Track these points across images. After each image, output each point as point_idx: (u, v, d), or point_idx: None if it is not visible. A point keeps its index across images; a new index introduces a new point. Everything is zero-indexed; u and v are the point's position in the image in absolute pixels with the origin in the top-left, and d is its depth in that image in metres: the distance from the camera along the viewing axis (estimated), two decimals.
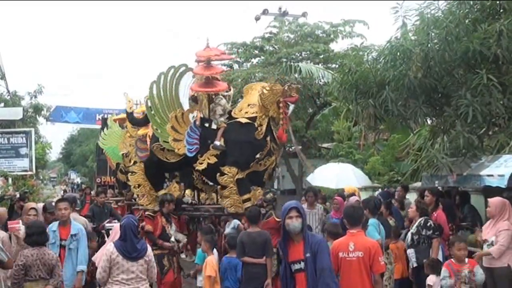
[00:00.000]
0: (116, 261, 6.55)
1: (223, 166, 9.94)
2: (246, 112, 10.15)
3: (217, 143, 9.95)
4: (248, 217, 8.35)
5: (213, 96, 10.73)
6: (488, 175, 8.72)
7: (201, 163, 10.02)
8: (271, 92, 9.84)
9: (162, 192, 10.55)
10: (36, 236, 6.80)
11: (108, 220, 11.98)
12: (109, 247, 6.73)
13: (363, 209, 7.56)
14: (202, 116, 10.60)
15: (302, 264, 5.81)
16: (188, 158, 10.14)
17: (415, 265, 8.67)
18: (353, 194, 11.01)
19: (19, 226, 7.73)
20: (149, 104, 10.45)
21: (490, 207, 8.05)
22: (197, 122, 10.34)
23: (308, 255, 5.75)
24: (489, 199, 8.20)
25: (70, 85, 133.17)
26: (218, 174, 9.89)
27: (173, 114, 10.16)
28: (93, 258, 7.85)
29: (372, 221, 8.62)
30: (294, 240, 5.90)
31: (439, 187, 10.34)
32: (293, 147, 22.07)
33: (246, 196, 9.84)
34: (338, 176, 13.56)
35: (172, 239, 9.59)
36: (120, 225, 6.84)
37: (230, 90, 11.34)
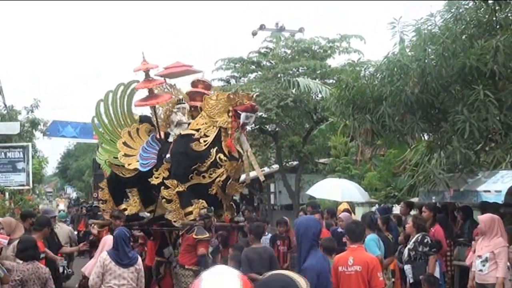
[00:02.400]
0: (109, 267, 7.02)
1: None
2: (197, 124, 9.73)
3: (167, 156, 9.77)
4: (254, 232, 8.31)
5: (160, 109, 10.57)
6: (485, 191, 8.75)
7: (157, 177, 9.74)
8: (217, 101, 9.47)
9: (122, 207, 10.38)
10: (30, 251, 6.85)
11: None
12: (102, 255, 7.25)
13: (364, 226, 7.56)
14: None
15: None
16: (143, 173, 9.89)
17: (411, 281, 8.67)
18: (346, 210, 10.97)
19: (5, 242, 7.81)
20: (96, 121, 10.58)
21: (480, 224, 8.10)
22: (157, 136, 10.19)
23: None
24: (479, 217, 8.24)
25: (70, 85, 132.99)
26: (163, 187, 9.61)
27: (126, 129, 10.18)
28: (82, 269, 8.03)
29: (372, 236, 8.60)
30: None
31: (436, 203, 10.34)
32: (290, 162, 22.13)
33: (188, 209, 9.38)
34: (343, 189, 13.42)
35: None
36: (113, 236, 7.41)
37: (183, 102, 10.70)
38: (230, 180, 9.49)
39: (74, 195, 62.29)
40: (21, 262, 6.90)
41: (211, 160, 9.28)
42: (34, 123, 26.51)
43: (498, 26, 9.39)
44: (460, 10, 9.48)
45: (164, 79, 10.53)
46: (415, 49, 9.64)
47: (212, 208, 9.23)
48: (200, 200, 9.34)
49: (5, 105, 26.02)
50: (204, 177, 9.38)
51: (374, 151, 17.28)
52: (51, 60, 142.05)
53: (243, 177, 10.01)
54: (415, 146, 14.01)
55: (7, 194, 20.27)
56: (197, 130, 9.53)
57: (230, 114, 9.25)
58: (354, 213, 13.81)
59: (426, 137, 11.53)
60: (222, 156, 9.30)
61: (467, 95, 8.95)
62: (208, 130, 9.45)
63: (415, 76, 9.11)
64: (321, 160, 22.35)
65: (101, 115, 10.39)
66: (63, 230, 13.09)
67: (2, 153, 21.76)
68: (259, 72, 20.66)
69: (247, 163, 9.40)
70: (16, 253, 7.06)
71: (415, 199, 12.78)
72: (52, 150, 48.84)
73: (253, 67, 20.95)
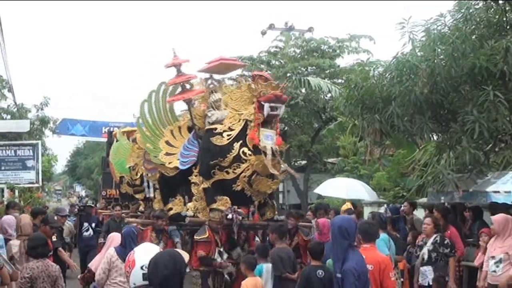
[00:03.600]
0: (115, 264, 6.96)
1: None
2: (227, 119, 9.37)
3: None
4: (278, 232, 8.23)
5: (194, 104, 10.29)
6: (494, 192, 8.72)
7: (196, 175, 9.54)
8: (242, 93, 9.10)
9: (169, 206, 10.30)
10: (40, 248, 6.87)
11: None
12: (110, 251, 7.20)
13: (378, 226, 7.49)
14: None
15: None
16: (185, 172, 9.67)
17: (431, 283, 8.51)
18: (350, 210, 10.93)
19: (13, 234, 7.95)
20: (140, 121, 10.51)
21: (494, 225, 8.03)
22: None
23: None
24: (492, 217, 8.17)
25: (78, 93, 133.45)
26: (193, 184, 9.44)
27: (169, 128, 10.07)
28: (89, 265, 8.06)
29: (383, 236, 8.54)
30: None
31: (445, 203, 10.31)
32: (298, 161, 22.13)
33: (212, 207, 9.07)
34: (348, 187, 13.35)
35: None
36: (121, 234, 7.29)
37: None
38: (255, 176, 8.90)
39: (83, 193, 62.59)
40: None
41: (233, 155, 8.85)
42: (43, 121, 26.68)
43: (508, 27, 9.35)
44: (470, 10, 9.44)
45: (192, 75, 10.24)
46: (424, 49, 9.60)
47: (233, 206, 8.87)
48: (224, 197, 9.01)
49: (15, 103, 26.19)
50: (227, 172, 8.97)
51: (383, 151, 17.22)
52: (58, 71, 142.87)
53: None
54: (424, 147, 13.97)
55: (16, 191, 20.42)
56: (222, 124, 9.21)
57: (255, 105, 8.75)
58: (363, 213, 13.79)
59: (435, 138, 11.48)
60: (246, 150, 8.80)
61: (476, 95, 8.92)
62: (233, 124, 9.07)
63: (424, 76, 9.08)
64: (330, 160, 22.36)
65: (145, 115, 10.28)
66: (65, 226, 13.49)
67: (12, 151, 21.93)
68: (269, 71, 20.69)
69: (269, 159, 8.68)
70: (27, 250, 7.10)
71: (423, 200, 12.76)
72: (61, 148, 49.13)
73: (263, 66, 20.98)
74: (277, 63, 20.91)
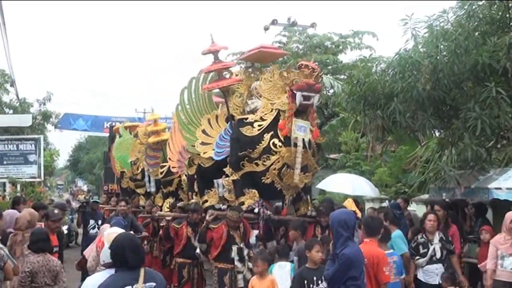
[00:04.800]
0: (98, 249, 7.01)
1: None
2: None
3: None
4: (301, 229, 8.02)
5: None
6: (496, 188, 8.71)
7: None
8: (274, 81, 8.71)
9: (204, 198, 9.89)
10: (41, 243, 6.91)
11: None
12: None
13: (382, 221, 7.43)
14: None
15: None
16: (221, 163, 9.27)
17: (441, 281, 8.29)
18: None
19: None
20: (180, 109, 10.11)
21: (506, 221, 7.81)
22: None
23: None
24: (507, 214, 7.99)
25: (79, 88, 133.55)
26: (224, 176, 9.12)
27: (206, 117, 9.70)
28: (84, 252, 8.21)
29: (398, 233, 8.40)
30: None
31: (446, 200, 10.31)
32: None
33: (240, 199, 8.81)
34: (353, 183, 13.20)
35: (197, 250, 9.10)
36: (110, 224, 7.50)
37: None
38: (286, 168, 8.54)
39: (85, 187, 62.68)
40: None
41: (263, 146, 8.50)
42: (46, 116, 26.69)
43: (511, 23, 9.34)
44: (473, 7, 9.42)
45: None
46: (427, 46, 9.59)
47: (261, 200, 8.54)
48: (253, 190, 8.68)
49: (18, 98, 26.20)
50: (257, 164, 8.61)
51: (384, 147, 17.24)
52: (60, 65, 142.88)
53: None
54: (426, 143, 13.96)
55: (18, 186, 20.47)
56: (254, 113, 8.85)
57: (287, 94, 8.39)
58: (364, 209, 13.80)
59: (437, 134, 11.49)
60: (276, 141, 8.43)
61: (479, 92, 8.91)
62: (265, 114, 8.69)
63: (426, 72, 9.07)
64: (332, 156, 22.34)
65: (185, 103, 9.96)
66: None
67: (14, 145, 21.98)
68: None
69: (300, 152, 8.31)
70: (28, 244, 7.12)
71: (425, 196, 12.76)
72: (63, 143, 49.12)
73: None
74: (280, 59, 20.89)
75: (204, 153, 9.46)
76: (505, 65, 8.56)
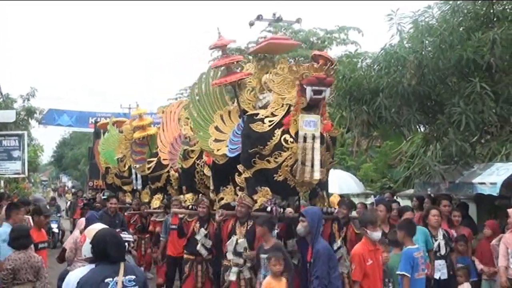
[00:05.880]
0: (80, 244, 7.13)
1: None
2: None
3: None
4: (269, 226, 7.60)
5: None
6: (480, 183, 8.75)
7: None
8: (284, 75, 8.29)
9: (220, 195, 9.42)
10: (22, 240, 6.90)
11: (117, 231, 10.57)
12: (76, 233, 7.93)
13: (371, 216, 7.40)
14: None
15: (308, 265, 6.81)
16: (234, 159, 8.93)
17: (444, 277, 8.14)
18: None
19: None
20: (191, 106, 9.75)
21: (511, 217, 7.71)
22: None
23: (312, 260, 6.68)
24: (508, 210, 7.81)
25: (77, 87, 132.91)
26: (237, 173, 8.80)
27: (218, 113, 9.33)
28: (64, 245, 8.52)
29: (424, 230, 8.07)
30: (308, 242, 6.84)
31: (431, 195, 10.35)
32: None
33: (253, 198, 8.45)
34: (339, 181, 13.11)
35: (198, 246, 8.98)
36: (85, 218, 8.06)
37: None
38: (296, 165, 8.14)
39: (69, 183, 62.31)
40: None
41: (274, 143, 8.14)
42: (30, 112, 26.49)
43: (495, 19, 9.40)
44: (458, 2, 9.50)
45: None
46: (412, 41, 9.64)
47: (274, 198, 8.20)
48: (265, 188, 8.36)
49: (1, 93, 25.96)
50: (268, 161, 8.25)
51: (370, 143, 17.33)
52: (46, 61, 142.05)
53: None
54: (411, 138, 14.05)
55: (2, 182, 20.30)
56: (265, 108, 8.52)
57: (296, 89, 8.04)
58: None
59: (422, 129, 11.55)
60: (288, 137, 8.09)
61: (463, 87, 8.98)
62: (276, 109, 8.34)
63: (412, 68, 9.11)
64: None
65: (195, 100, 9.57)
66: None
67: None
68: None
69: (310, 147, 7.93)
70: (9, 241, 7.08)
71: (410, 191, 12.83)
72: (47, 139, 48.75)
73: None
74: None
75: (218, 150, 9.09)
76: (489, 61, 8.63)
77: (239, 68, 9.51)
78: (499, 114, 8.99)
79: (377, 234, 6.89)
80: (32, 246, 7.30)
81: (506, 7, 9.44)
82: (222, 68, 9.46)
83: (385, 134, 13.55)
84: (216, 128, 9.18)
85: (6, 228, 7.58)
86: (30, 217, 9.05)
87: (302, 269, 7.12)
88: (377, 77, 9.94)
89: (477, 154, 10.24)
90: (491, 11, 9.41)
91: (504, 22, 9.14)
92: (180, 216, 10.03)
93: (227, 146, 8.94)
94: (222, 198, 9.20)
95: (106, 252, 4.38)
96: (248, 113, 8.70)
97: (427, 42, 9.29)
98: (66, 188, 52.21)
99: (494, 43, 8.55)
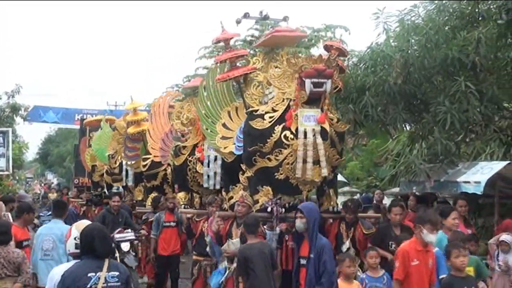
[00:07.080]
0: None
1: None
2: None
3: None
4: (246, 226, 7.25)
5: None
6: (465, 182, 8.83)
7: None
8: (283, 69, 8.06)
9: (230, 194, 9.03)
10: (1, 236, 6.97)
11: (118, 230, 9.81)
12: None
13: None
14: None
15: (305, 261, 6.64)
16: (241, 157, 8.57)
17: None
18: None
19: None
20: (198, 104, 9.44)
21: None
22: None
23: (312, 255, 6.52)
24: None
25: (77, 87, 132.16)
26: (240, 172, 8.48)
27: (226, 109, 9.05)
28: None
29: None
30: (305, 237, 6.71)
31: (416, 193, 10.41)
32: None
33: (255, 198, 8.14)
34: None
35: (208, 248, 8.64)
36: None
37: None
38: (297, 162, 7.81)
39: (55, 181, 61.85)
40: None
41: (274, 140, 7.80)
42: (14, 108, 26.31)
43: (480, 18, 9.46)
44: (443, 2, 9.55)
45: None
46: (398, 40, 9.67)
47: (275, 198, 7.90)
48: (266, 187, 8.04)
49: None
50: (269, 159, 7.89)
51: (356, 141, 17.36)
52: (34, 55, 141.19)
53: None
54: (397, 137, 14.10)
55: None
56: (267, 105, 8.21)
57: (296, 82, 7.76)
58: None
59: (408, 128, 11.59)
60: (288, 133, 7.74)
61: (448, 86, 9.02)
62: (277, 104, 8.00)
63: (398, 66, 9.14)
64: None
65: (204, 97, 9.29)
66: None
67: None
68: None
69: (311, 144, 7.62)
70: None
71: (396, 189, 12.89)
72: (33, 136, 48.38)
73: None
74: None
75: (225, 147, 8.79)
76: (474, 60, 8.68)
77: (245, 63, 9.18)
78: (484, 113, 9.04)
79: (433, 237, 6.36)
80: (12, 243, 7.28)
81: (491, 7, 9.49)
82: (218, 61, 9.28)
83: (371, 132, 13.55)
84: (224, 125, 8.91)
85: None
86: (9, 214, 9.04)
87: (295, 263, 7.05)
88: (364, 75, 9.96)
89: (462, 153, 10.31)
90: (476, 10, 9.46)
91: (489, 21, 9.20)
92: (188, 216, 9.83)
93: (234, 143, 8.64)
94: (232, 197, 8.77)
95: (92, 247, 4.47)
96: (248, 110, 8.41)
97: (413, 41, 9.33)
98: (52, 185, 51.75)
99: (479, 42, 8.60)
